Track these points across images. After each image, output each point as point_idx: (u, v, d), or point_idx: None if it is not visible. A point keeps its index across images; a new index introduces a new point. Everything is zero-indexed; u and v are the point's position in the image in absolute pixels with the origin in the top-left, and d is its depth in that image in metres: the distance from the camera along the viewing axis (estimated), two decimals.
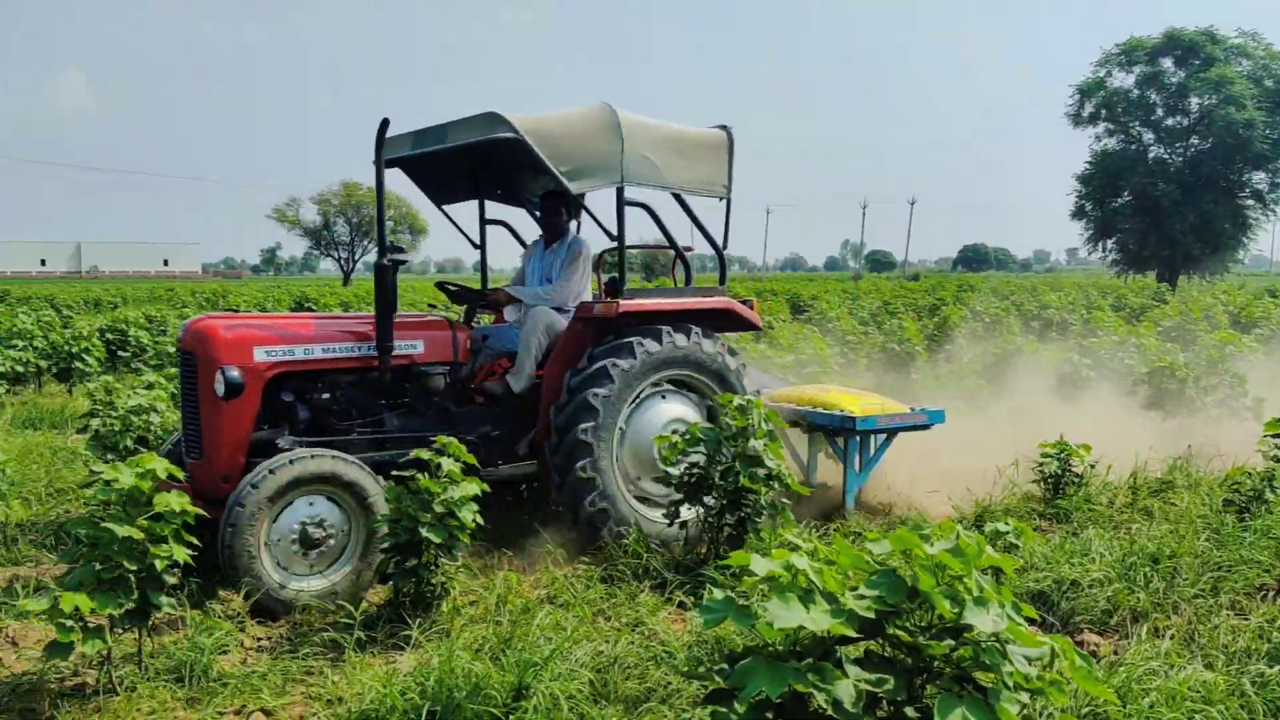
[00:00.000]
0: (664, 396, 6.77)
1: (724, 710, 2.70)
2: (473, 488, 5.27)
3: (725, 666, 2.73)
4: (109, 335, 15.83)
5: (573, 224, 7.43)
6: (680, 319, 6.76)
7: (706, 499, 6.02)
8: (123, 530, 4.34)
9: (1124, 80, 52.66)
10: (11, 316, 20.46)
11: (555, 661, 4.33)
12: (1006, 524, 5.36)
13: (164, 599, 4.47)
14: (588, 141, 6.35)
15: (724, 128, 7.05)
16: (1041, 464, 7.53)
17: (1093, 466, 7.56)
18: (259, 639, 5.11)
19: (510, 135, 6.02)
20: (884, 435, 7.43)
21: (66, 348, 13.96)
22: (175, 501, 4.49)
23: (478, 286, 7.87)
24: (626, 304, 6.48)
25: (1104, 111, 52.64)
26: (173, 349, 13.68)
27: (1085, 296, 30.66)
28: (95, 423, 7.79)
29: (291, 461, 5.39)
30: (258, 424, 5.95)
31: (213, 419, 5.82)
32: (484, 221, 8.01)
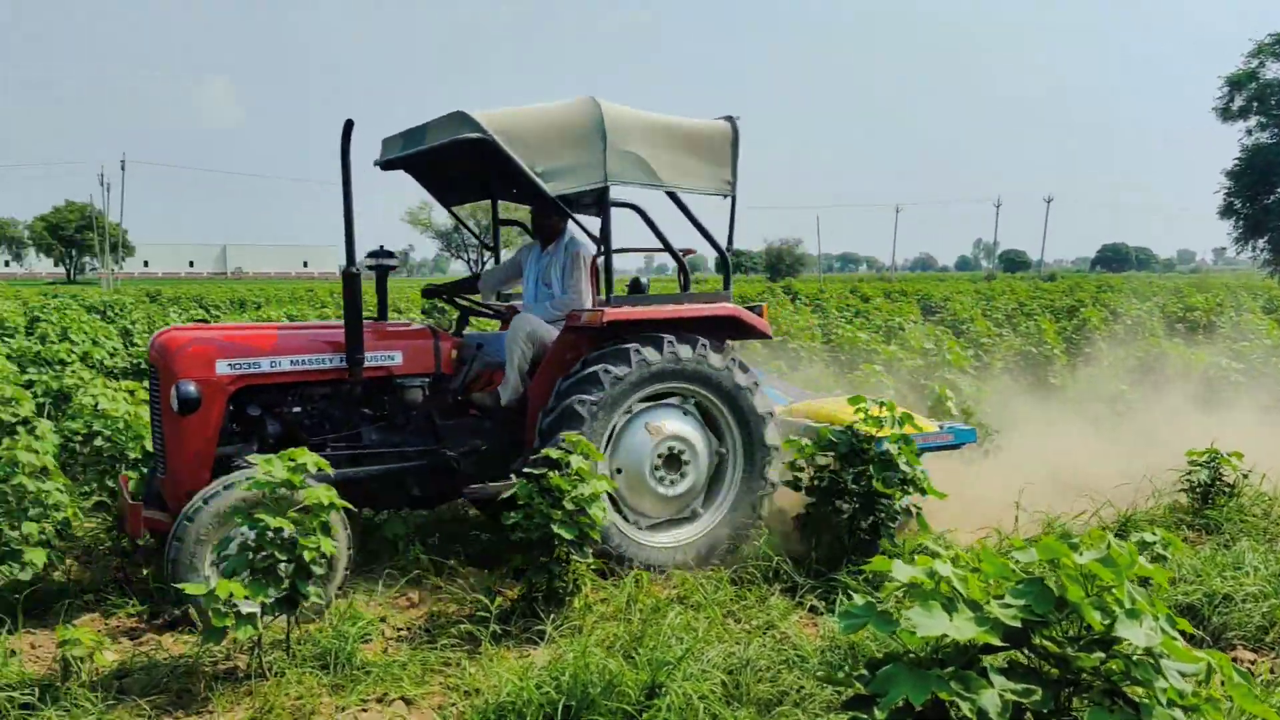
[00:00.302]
0: (662, 411, 6.28)
1: (864, 716, 2.68)
2: (603, 485, 5.35)
3: (865, 673, 2.71)
4: None
5: (569, 226, 6.86)
6: (675, 327, 6.23)
7: (839, 503, 5.95)
8: (275, 521, 4.55)
9: (1277, 72, 50.09)
10: (164, 315, 21.54)
11: (687, 662, 4.35)
12: (1153, 534, 5.17)
13: (311, 588, 4.65)
14: (567, 139, 5.96)
15: (729, 119, 6.54)
16: (1190, 472, 7.22)
17: (1245, 476, 7.21)
18: (399, 629, 5.29)
19: (476, 136, 5.71)
20: None
21: None
22: (323, 495, 4.67)
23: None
24: (614, 312, 6.00)
25: (1255, 104, 50.14)
26: None
27: (1234, 298, 29.25)
28: None
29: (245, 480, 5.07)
30: (224, 439, 5.79)
31: (174, 434, 5.68)
32: (497, 222, 7.72)
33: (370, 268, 6.79)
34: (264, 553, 4.56)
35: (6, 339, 14.11)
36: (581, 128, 5.98)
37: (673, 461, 6.21)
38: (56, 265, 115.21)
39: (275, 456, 4.72)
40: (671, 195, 6.39)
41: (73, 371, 10.33)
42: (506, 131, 5.76)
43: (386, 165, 6.66)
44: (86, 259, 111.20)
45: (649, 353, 6.02)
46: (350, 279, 5.77)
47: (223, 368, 5.71)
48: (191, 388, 5.52)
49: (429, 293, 7.23)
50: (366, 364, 6.00)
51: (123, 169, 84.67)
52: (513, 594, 5.53)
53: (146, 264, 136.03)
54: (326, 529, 4.70)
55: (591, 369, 5.93)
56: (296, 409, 6.02)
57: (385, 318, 6.70)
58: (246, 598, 4.39)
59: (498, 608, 5.26)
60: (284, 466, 4.68)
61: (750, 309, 6.56)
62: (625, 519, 6.17)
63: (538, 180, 5.86)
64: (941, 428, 7.07)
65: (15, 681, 4.41)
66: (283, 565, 4.59)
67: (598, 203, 6.30)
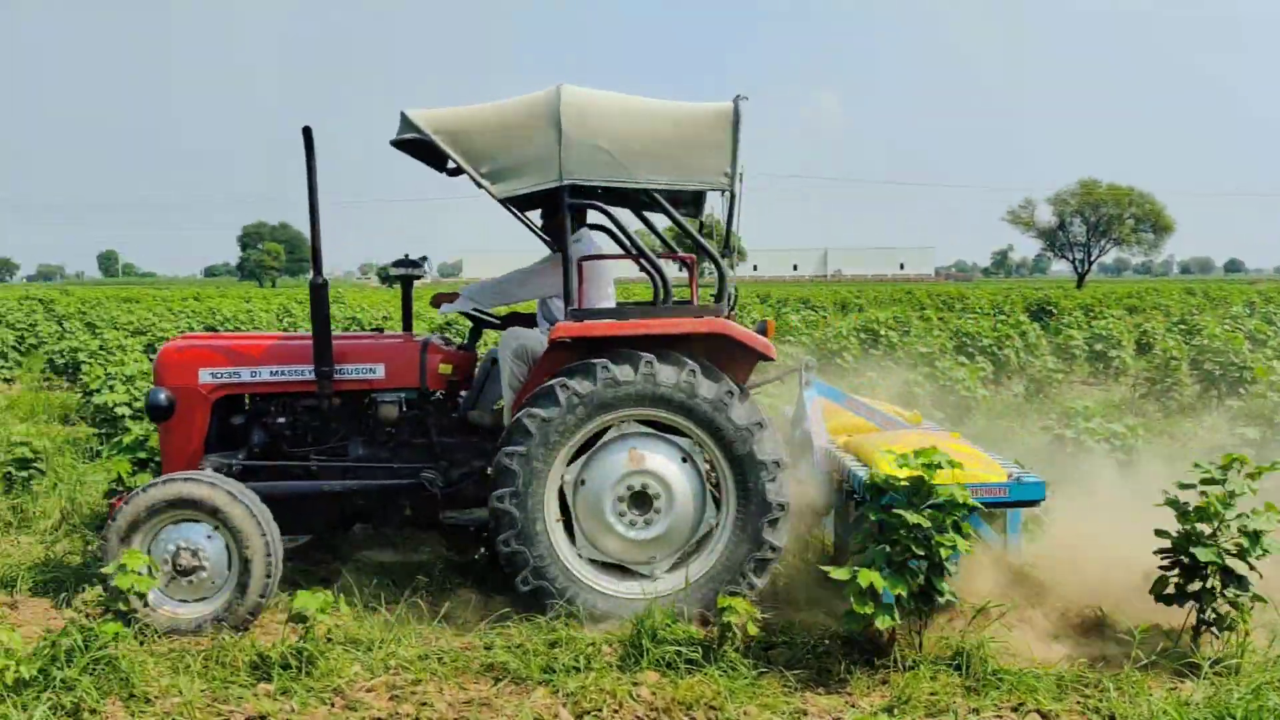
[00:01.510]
0: (656, 443, 5.48)
1: None
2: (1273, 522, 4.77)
3: None
4: (862, 335, 17.08)
5: (584, 230, 6.24)
6: (647, 345, 5.38)
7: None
8: (912, 517, 4.66)
9: None
10: (777, 315, 23.07)
11: None
12: None
13: (945, 586, 4.69)
14: (517, 134, 5.42)
15: (736, 99, 5.50)
16: None
17: None
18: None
19: (414, 136, 5.41)
20: None
21: (828, 345, 15.34)
22: (959, 493, 4.69)
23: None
24: (569, 327, 5.38)
25: None
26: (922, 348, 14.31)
27: None
28: None
29: (147, 488, 5.26)
30: (211, 446, 5.86)
31: (162, 438, 5.88)
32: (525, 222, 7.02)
33: (396, 277, 6.65)
34: (899, 546, 4.69)
35: None
36: (534, 121, 5.41)
37: (641, 500, 5.44)
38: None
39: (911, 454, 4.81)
40: (650, 193, 5.64)
41: None
42: (450, 131, 5.40)
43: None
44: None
45: (620, 370, 5.29)
46: (318, 290, 5.68)
47: (205, 376, 5.84)
48: (162, 396, 5.73)
49: (437, 301, 6.54)
50: (345, 377, 5.88)
51: (740, 180, 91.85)
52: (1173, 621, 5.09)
53: (755, 268, 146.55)
54: (958, 527, 4.72)
55: (549, 383, 5.34)
56: (281, 419, 5.98)
57: (410, 328, 6.59)
58: (884, 589, 4.55)
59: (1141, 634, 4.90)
60: (919, 463, 4.77)
61: (750, 326, 5.68)
62: (574, 543, 5.52)
63: (482, 182, 5.45)
64: (1014, 479, 5.34)
65: (684, 639, 4.96)
66: (917, 561, 4.69)
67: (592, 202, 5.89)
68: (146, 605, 5.12)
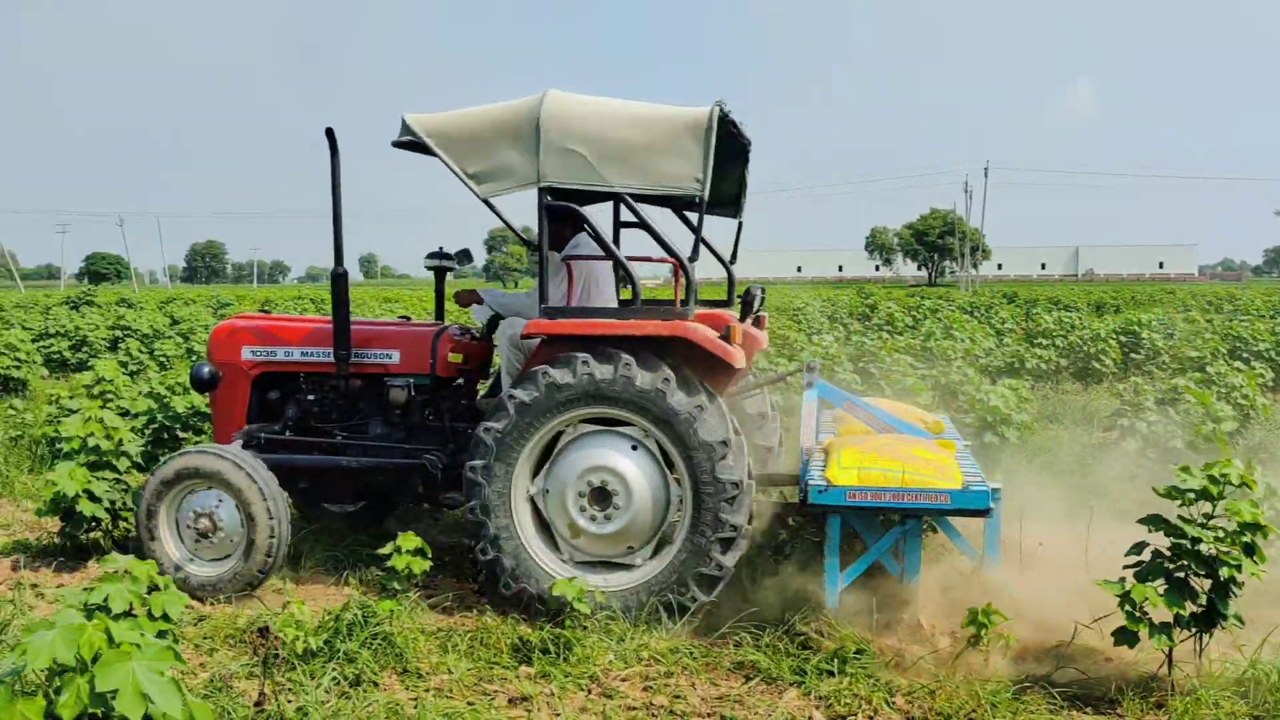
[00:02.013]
0: (610, 439, 5.56)
1: None
2: None
3: None
4: (1122, 337, 16.12)
5: (580, 235, 6.27)
6: (606, 344, 5.45)
7: None
8: (1194, 531, 4.37)
9: None
10: (1022, 316, 22.08)
11: None
12: None
13: (1231, 609, 4.37)
14: (502, 138, 5.60)
15: (715, 106, 5.42)
16: None
17: None
18: None
19: (409, 139, 5.76)
20: (877, 517, 5.32)
21: (1085, 348, 14.57)
22: (1248, 512, 4.36)
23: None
24: (539, 324, 5.60)
25: None
26: (1194, 352, 13.36)
27: None
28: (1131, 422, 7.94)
29: (165, 462, 5.89)
30: (252, 417, 6.46)
31: (211, 409, 6.60)
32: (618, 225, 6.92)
33: (429, 269, 7.04)
34: (1180, 563, 4.40)
35: (897, 335, 15.73)
36: (517, 125, 5.56)
37: (601, 496, 5.50)
38: (919, 269, 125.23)
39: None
40: (623, 195, 5.66)
41: (958, 368, 11.07)
42: (442, 134, 5.66)
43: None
44: (946, 263, 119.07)
45: (558, 373, 5.41)
46: (338, 280, 6.16)
47: (246, 354, 6.44)
48: (205, 370, 6.37)
49: (464, 300, 6.66)
50: (364, 360, 6.32)
51: (985, 176, 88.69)
52: None
53: (1000, 267, 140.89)
54: (1250, 550, 4.37)
55: (501, 394, 5.71)
56: (310, 396, 6.49)
57: (441, 318, 6.95)
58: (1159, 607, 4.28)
59: None
60: (1203, 475, 4.46)
61: (713, 329, 5.61)
62: (557, 549, 5.66)
63: (468, 182, 5.67)
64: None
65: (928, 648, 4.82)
66: (1199, 581, 4.39)
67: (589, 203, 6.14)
68: (179, 570, 5.78)
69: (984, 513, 5.02)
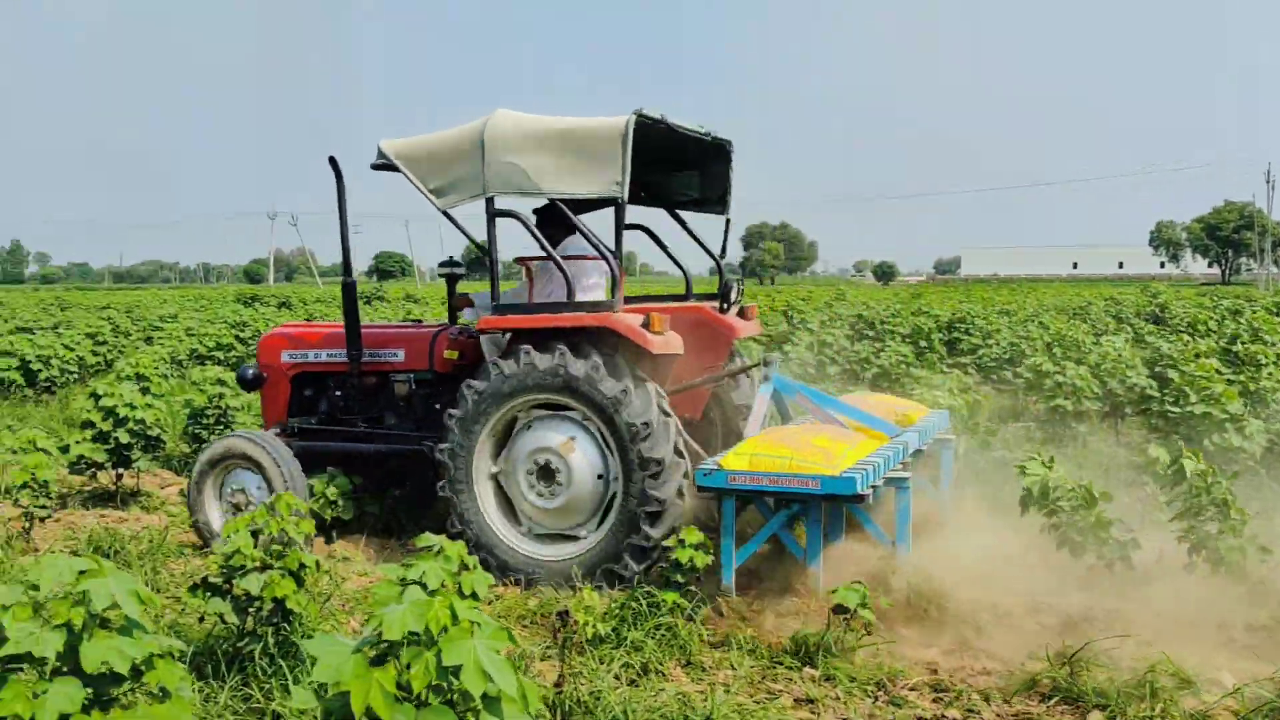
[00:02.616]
0: (558, 423, 6.22)
1: None
2: None
3: None
4: None
5: (572, 237, 6.84)
6: (544, 336, 6.09)
7: None
8: None
9: None
10: None
11: None
12: None
13: None
14: (456, 155, 6.31)
15: (632, 115, 5.94)
16: None
17: None
18: None
19: (383, 162, 6.51)
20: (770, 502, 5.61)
21: None
22: None
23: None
24: (490, 320, 6.34)
25: None
26: None
27: None
28: None
29: (206, 447, 6.97)
30: (293, 410, 7.39)
31: (261, 404, 7.64)
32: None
33: (441, 275, 7.92)
34: None
35: (1202, 338, 14.55)
36: (465, 143, 6.25)
37: (546, 473, 6.11)
38: (1210, 266, 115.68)
39: None
40: (557, 202, 6.23)
41: (1269, 374, 10.14)
42: (408, 156, 6.42)
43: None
44: (1242, 260, 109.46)
45: (506, 364, 6.09)
46: (347, 289, 7.03)
47: (285, 357, 7.39)
48: (249, 372, 7.41)
49: (459, 304, 7.45)
50: (377, 360, 7.09)
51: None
52: None
53: None
54: None
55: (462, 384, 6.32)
56: (337, 392, 7.26)
57: (454, 322, 7.52)
58: None
59: None
60: None
61: (638, 321, 6.01)
62: (519, 524, 6.33)
63: (429, 197, 6.40)
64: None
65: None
66: None
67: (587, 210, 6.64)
68: (217, 537, 6.56)
69: (852, 498, 5.23)
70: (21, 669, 2.94)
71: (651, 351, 5.98)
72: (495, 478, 6.32)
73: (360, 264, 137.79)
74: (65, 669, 2.89)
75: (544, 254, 6.38)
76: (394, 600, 2.35)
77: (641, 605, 5.12)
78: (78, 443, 7.92)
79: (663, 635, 4.97)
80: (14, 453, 7.54)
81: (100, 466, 8.03)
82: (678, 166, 7.35)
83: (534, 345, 6.00)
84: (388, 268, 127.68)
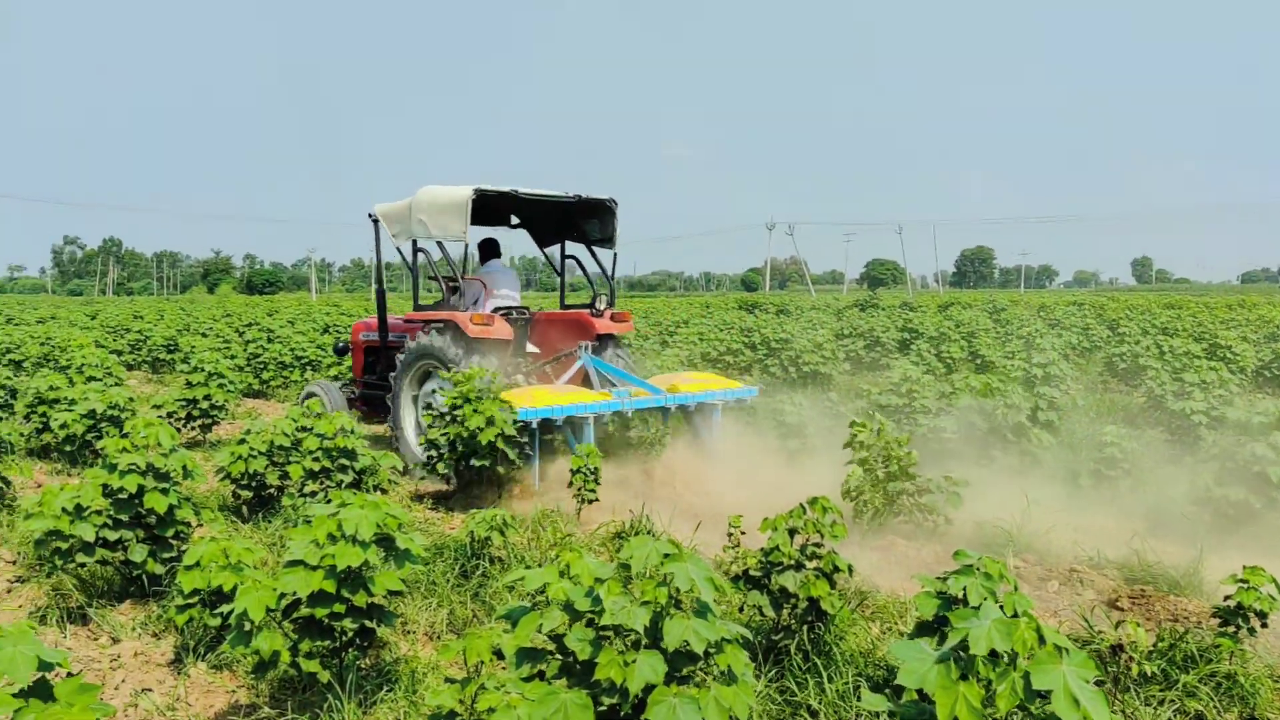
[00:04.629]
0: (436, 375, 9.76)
1: None
2: None
3: None
4: None
5: (495, 259, 11.12)
6: (428, 324, 9.89)
7: None
8: None
9: None
10: None
11: None
12: None
13: None
14: (400, 214, 10.02)
15: (473, 190, 9.29)
16: None
17: None
18: None
19: (373, 217, 10.55)
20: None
21: None
22: None
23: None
24: (394, 319, 11.14)
25: None
26: None
27: None
28: None
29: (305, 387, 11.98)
30: (366, 370, 11.61)
31: (351, 364, 12.36)
32: (564, 256, 11.34)
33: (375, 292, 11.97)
34: None
35: None
36: (404, 207, 9.95)
37: (429, 408, 9.34)
38: None
39: None
40: (438, 244, 10.07)
41: None
42: (384, 214, 10.32)
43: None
44: None
45: (410, 342, 10.03)
46: (380, 295, 10.92)
47: (361, 336, 11.70)
48: (340, 344, 12.41)
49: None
50: (394, 340, 10.92)
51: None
52: None
53: None
54: None
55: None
56: (379, 359, 11.20)
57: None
58: None
59: None
60: None
61: (474, 320, 9.41)
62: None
63: (392, 239, 10.21)
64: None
65: None
66: None
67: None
68: None
69: (524, 424, 8.26)
70: (609, 638, 3.30)
71: (470, 335, 9.31)
72: (414, 416, 9.95)
73: (852, 271, 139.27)
74: (645, 643, 3.19)
75: (453, 275, 10.31)
76: (969, 616, 2.31)
77: (1193, 648, 4.64)
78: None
79: (1222, 682, 4.47)
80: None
81: None
82: (585, 217, 10.59)
83: (424, 330, 9.71)
84: (879, 275, 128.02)
